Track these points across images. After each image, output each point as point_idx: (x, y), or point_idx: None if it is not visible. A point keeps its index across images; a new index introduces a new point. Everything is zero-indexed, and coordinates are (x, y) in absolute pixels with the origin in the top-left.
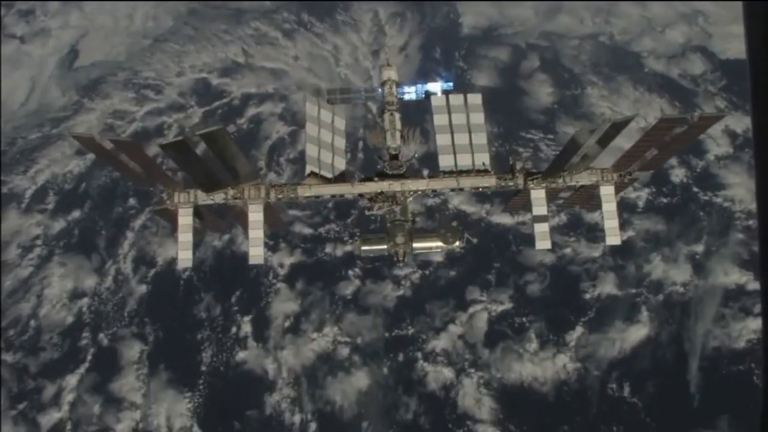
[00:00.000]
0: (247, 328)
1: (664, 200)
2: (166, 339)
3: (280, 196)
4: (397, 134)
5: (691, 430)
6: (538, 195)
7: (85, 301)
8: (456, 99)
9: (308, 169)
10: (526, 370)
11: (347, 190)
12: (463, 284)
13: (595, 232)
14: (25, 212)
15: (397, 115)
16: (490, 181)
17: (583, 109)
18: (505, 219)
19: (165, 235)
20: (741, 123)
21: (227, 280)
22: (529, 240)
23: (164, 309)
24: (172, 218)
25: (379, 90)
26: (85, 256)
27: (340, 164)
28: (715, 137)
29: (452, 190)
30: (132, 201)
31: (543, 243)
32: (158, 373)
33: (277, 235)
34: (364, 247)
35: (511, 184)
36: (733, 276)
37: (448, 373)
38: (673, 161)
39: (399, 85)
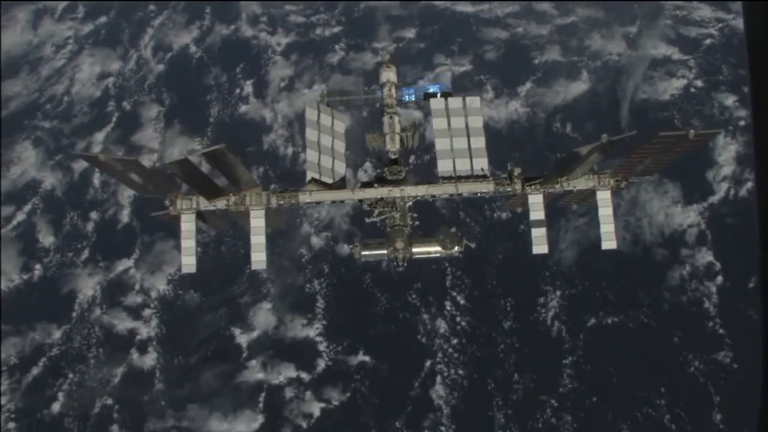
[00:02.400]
0: (248, 89)
1: None
2: (180, 101)
3: (281, 202)
4: (397, 137)
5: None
6: (535, 200)
7: (111, 79)
8: (455, 102)
9: (309, 175)
10: (483, 112)
11: (347, 196)
12: (430, 53)
13: (544, 17)
14: (57, 21)
15: (397, 118)
16: (488, 187)
17: None
18: (467, 8)
19: (179, 27)
20: None
21: (233, 57)
22: (488, 22)
23: (179, 80)
24: (175, 222)
25: (378, 92)
26: (111, 48)
27: (341, 168)
28: None
29: (451, 195)
30: (152, 7)
31: (540, 247)
32: (173, 125)
33: (274, 23)
34: (364, 252)
35: (509, 189)
36: (661, 49)
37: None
38: None
39: (398, 87)
